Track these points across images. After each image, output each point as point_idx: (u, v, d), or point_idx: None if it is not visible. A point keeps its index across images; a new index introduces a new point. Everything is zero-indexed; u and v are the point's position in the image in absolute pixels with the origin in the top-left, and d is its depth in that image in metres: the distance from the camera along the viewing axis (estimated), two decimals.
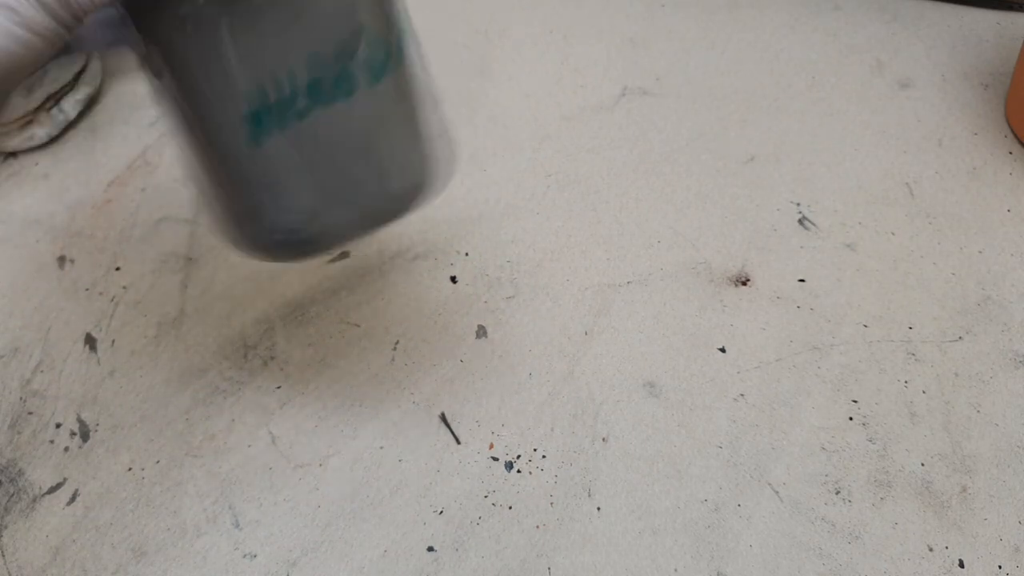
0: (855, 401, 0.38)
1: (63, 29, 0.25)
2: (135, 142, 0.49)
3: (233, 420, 0.37)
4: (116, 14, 0.26)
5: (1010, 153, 0.47)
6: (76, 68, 0.50)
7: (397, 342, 0.40)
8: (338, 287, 0.42)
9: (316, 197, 0.27)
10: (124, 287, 0.42)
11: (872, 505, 0.35)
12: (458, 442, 0.36)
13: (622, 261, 0.43)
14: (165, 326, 0.40)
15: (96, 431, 0.37)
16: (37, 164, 0.49)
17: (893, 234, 0.44)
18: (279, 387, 0.38)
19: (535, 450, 0.36)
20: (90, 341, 0.40)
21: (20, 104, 0.48)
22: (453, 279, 0.42)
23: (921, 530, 0.34)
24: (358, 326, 0.40)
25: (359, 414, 0.37)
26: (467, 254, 0.43)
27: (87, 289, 0.42)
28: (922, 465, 0.36)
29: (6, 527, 0.34)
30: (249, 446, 0.36)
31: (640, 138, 0.49)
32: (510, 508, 0.35)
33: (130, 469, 0.36)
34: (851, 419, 0.37)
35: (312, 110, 0.26)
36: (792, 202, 0.45)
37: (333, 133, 0.26)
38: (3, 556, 0.33)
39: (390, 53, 0.27)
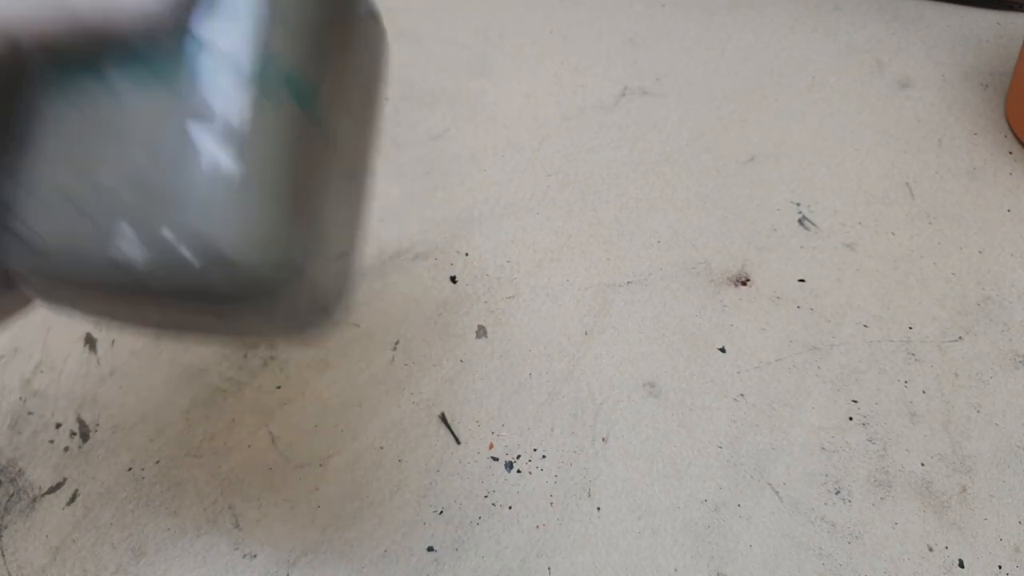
0: (855, 401, 0.38)
1: None
2: None
3: (233, 420, 0.37)
4: None
5: (1010, 153, 0.47)
6: None
7: (397, 342, 0.40)
8: None
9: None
10: None
11: (872, 505, 0.35)
12: (458, 442, 0.36)
13: (622, 261, 0.43)
14: None
15: (96, 431, 0.37)
16: None
17: (893, 234, 0.44)
18: (279, 387, 0.38)
19: (535, 450, 0.36)
20: (90, 341, 0.40)
21: None
22: (453, 279, 0.42)
23: (921, 530, 0.34)
24: (358, 326, 0.40)
25: (359, 414, 0.37)
26: (467, 254, 0.43)
27: None
28: (922, 465, 0.36)
29: (6, 527, 0.34)
30: (249, 446, 0.36)
31: (640, 138, 0.49)
32: (510, 508, 0.35)
33: (130, 469, 0.36)
34: (851, 419, 0.37)
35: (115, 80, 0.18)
36: (792, 202, 0.45)
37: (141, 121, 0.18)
38: (3, 556, 0.33)
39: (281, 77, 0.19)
